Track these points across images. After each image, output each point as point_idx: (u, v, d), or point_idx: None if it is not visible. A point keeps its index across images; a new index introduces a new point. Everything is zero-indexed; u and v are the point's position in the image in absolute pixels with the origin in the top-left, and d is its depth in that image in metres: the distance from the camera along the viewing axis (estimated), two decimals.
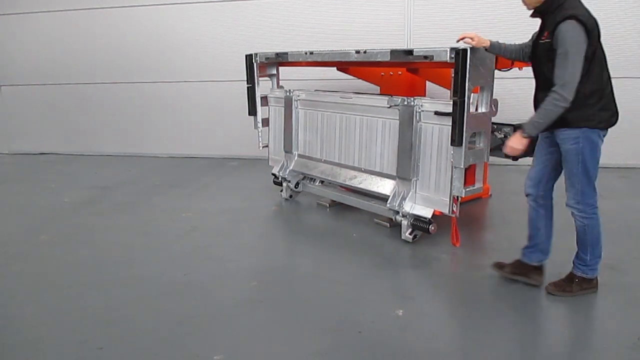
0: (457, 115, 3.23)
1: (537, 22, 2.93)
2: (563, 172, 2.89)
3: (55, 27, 7.45)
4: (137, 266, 3.57)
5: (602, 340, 2.55)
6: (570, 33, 2.51)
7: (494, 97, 3.50)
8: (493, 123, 3.80)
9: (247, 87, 4.85)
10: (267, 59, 4.74)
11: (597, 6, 5.61)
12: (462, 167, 3.33)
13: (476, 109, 3.46)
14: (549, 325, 2.69)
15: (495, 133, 4.14)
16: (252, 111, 4.92)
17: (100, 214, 4.78)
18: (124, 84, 7.42)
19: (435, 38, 5.93)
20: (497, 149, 4.15)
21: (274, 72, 4.98)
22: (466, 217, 3.18)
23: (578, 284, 2.94)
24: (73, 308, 3.01)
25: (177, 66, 7.16)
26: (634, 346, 2.48)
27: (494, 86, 3.47)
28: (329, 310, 2.88)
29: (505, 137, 4.12)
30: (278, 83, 5.02)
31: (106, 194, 5.44)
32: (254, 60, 4.73)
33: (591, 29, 2.55)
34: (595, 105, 2.66)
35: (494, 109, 3.54)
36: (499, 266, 3.18)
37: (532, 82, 6.43)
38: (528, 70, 4.05)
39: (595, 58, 2.61)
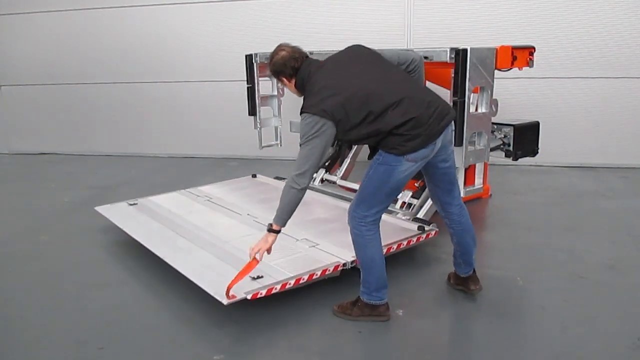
0: (457, 115, 3.23)
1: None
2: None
3: (55, 27, 7.44)
4: (137, 266, 3.57)
5: (602, 340, 2.55)
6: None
7: (494, 97, 3.51)
8: (493, 123, 3.81)
9: (247, 87, 4.85)
10: (267, 59, 4.72)
11: (597, 6, 5.68)
12: (462, 167, 3.33)
13: (476, 109, 3.46)
14: (548, 325, 2.69)
15: (495, 133, 4.14)
16: (252, 111, 4.92)
17: (100, 214, 4.77)
18: (124, 84, 7.41)
19: (435, 38, 5.92)
20: (497, 149, 4.16)
21: None
22: None
23: (360, 307, 2.76)
24: (73, 308, 3.01)
25: (177, 66, 7.15)
26: (634, 346, 2.48)
27: (494, 86, 3.47)
28: (328, 310, 2.88)
29: (505, 137, 4.13)
30: (278, 83, 5.01)
31: (106, 194, 5.43)
32: (253, 60, 4.72)
33: (328, 110, 2.43)
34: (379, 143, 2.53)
35: (494, 109, 3.55)
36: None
37: (532, 82, 6.45)
38: (528, 71, 4.06)
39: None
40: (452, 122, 2.62)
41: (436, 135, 2.48)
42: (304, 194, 2.54)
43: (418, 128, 2.43)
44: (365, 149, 2.73)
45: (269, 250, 2.68)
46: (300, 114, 2.51)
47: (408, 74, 2.71)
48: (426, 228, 3.48)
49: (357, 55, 2.65)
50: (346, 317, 2.80)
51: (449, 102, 3.13)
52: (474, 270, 3.00)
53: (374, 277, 2.69)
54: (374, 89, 2.47)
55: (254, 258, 2.66)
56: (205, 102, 7.15)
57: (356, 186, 4.50)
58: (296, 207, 2.58)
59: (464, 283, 3.02)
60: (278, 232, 2.64)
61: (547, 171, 5.94)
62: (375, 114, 2.43)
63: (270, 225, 2.63)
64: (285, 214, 2.58)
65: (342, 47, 2.79)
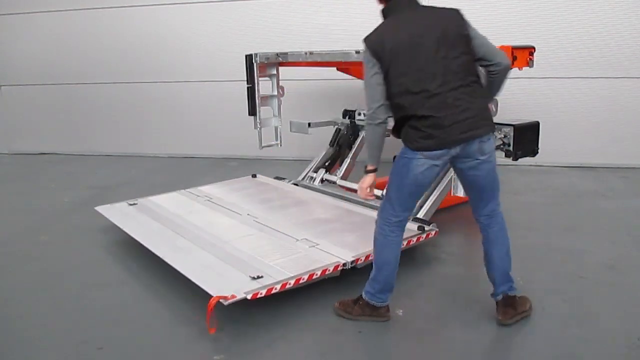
0: None
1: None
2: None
3: (55, 27, 7.45)
4: (137, 266, 3.57)
5: (602, 340, 2.55)
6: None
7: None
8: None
9: (247, 87, 4.85)
10: (267, 59, 4.74)
11: (597, 6, 5.68)
12: None
13: None
14: (548, 325, 2.69)
15: (495, 133, 4.14)
16: (252, 111, 4.92)
17: (100, 214, 4.77)
18: (124, 84, 7.42)
19: None
20: (497, 149, 4.15)
21: (274, 72, 4.97)
22: (467, 218, 3.18)
23: (361, 306, 2.76)
24: (73, 308, 3.01)
25: (177, 66, 7.16)
26: (634, 346, 2.48)
27: None
28: (328, 310, 2.88)
29: (505, 137, 4.13)
30: (278, 83, 5.02)
31: (106, 194, 5.43)
32: (253, 60, 4.72)
33: (377, 50, 2.41)
34: (403, 125, 2.50)
35: (494, 109, 3.54)
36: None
37: (532, 82, 6.42)
38: (528, 71, 4.06)
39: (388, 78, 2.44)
40: (484, 136, 2.47)
41: (451, 144, 2.40)
42: (384, 127, 2.52)
43: (435, 129, 2.38)
44: (365, 151, 2.71)
45: (371, 188, 2.70)
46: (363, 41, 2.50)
47: (483, 73, 2.54)
48: (426, 228, 3.48)
49: (444, 23, 2.42)
50: (347, 315, 2.80)
51: None
52: (504, 298, 2.69)
53: (382, 278, 2.69)
54: (423, 67, 2.37)
55: (366, 195, 2.72)
56: (205, 102, 7.15)
57: (356, 186, 4.51)
58: (382, 140, 2.57)
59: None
60: (373, 171, 2.67)
61: (547, 171, 5.95)
62: (407, 90, 2.39)
63: (366, 166, 2.68)
64: (373, 151, 2.61)
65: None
